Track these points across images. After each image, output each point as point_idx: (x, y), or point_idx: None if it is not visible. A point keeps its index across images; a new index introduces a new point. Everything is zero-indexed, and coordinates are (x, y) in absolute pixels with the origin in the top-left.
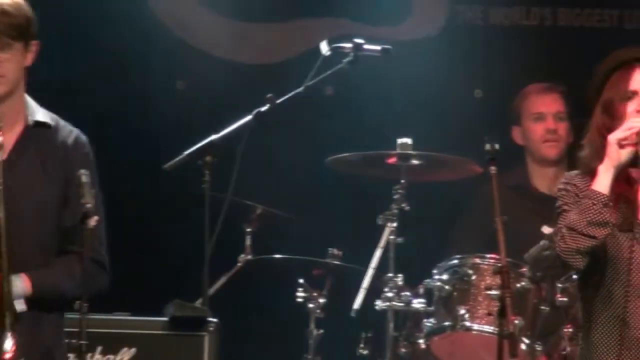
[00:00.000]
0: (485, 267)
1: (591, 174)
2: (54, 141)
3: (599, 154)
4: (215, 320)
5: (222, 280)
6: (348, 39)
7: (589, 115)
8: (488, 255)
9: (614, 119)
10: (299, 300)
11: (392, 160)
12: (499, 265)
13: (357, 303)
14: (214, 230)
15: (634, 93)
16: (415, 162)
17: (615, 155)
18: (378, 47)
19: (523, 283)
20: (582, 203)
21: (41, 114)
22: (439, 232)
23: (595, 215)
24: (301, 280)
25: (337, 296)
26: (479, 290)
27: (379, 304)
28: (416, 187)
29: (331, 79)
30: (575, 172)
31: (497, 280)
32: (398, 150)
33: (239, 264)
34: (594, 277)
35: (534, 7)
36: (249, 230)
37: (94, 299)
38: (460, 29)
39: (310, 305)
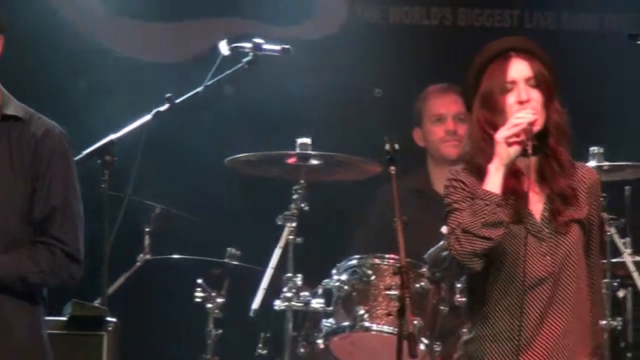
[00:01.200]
0: (385, 267)
1: (476, 169)
2: (25, 134)
3: (483, 148)
4: (114, 320)
5: (121, 279)
6: (247, 39)
7: (468, 108)
8: (387, 256)
9: (494, 111)
10: (198, 300)
11: (291, 160)
12: (399, 265)
13: (256, 303)
14: (113, 229)
15: (513, 83)
16: (314, 162)
17: (505, 153)
18: (278, 47)
19: (422, 283)
20: (474, 204)
21: (12, 107)
22: (338, 232)
23: (490, 216)
24: (200, 280)
25: (235, 296)
26: (378, 291)
27: (278, 304)
28: (316, 187)
29: (231, 79)
30: (460, 167)
31: (397, 280)
32: (297, 150)
33: (138, 264)
34: (489, 269)
35: (434, 6)
36: (148, 230)
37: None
38: (361, 28)
39: (209, 305)
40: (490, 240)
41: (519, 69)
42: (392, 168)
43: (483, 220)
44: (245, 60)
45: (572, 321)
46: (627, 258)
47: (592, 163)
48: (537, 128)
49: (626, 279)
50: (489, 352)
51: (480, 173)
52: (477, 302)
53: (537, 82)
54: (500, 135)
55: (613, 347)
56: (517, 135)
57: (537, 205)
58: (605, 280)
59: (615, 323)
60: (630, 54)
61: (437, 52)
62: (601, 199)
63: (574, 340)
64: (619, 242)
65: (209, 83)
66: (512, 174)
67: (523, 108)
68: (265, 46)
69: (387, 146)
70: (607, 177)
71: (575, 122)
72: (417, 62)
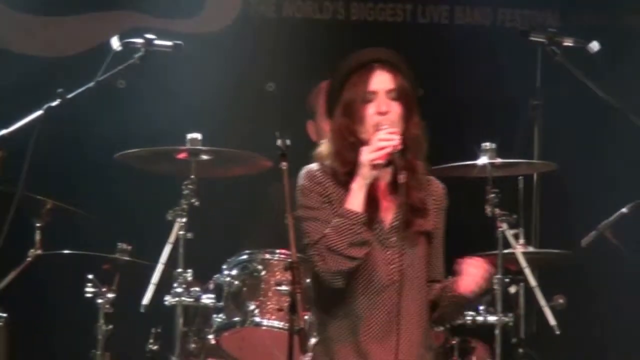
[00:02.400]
0: (275, 262)
1: (334, 173)
2: None
3: (342, 154)
4: (4, 314)
5: (12, 275)
6: (139, 34)
7: (329, 115)
8: (278, 251)
9: (354, 120)
10: (88, 295)
11: (181, 155)
12: (289, 260)
13: (147, 298)
14: (4, 224)
15: (374, 94)
16: (205, 157)
17: (368, 174)
18: (169, 43)
19: None
20: (339, 222)
21: None
22: (229, 227)
23: (355, 237)
24: (90, 276)
25: (126, 291)
26: (268, 286)
27: (169, 299)
28: (206, 182)
29: (123, 74)
30: (315, 167)
31: (288, 275)
32: (188, 146)
33: (29, 259)
34: None
35: (326, 0)
36: (39, 224)
37: None
38: (253, 22)
39: (100, 301)
40: (355, 260)
41: (381, 80)
42: (284, 164)
43: (349, 240)
44: (137, 55)
45: (414, 328)
46: (519, 253)
47: (484, 159)
48: (398, 147)
49: (518, 275)
50: (335, 354)
51: (337, 177)
52: (322, 304)
53: (398, 94)
54: (365, 157)
55: (505, 343)
56: (381, 158)
57: (387, 213)
58: (497, 276)
59: (507, 319)
60: (523, 50)
61: (330, 46)
62: (444, 211)
63: (416, 348)
64: (511, 237)
65: (100, 78)
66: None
67: (381, 120)
68: (157, 42)
69: (279, 142)
70: (500, 173)
71: (467, 117)
72: (311, 56)
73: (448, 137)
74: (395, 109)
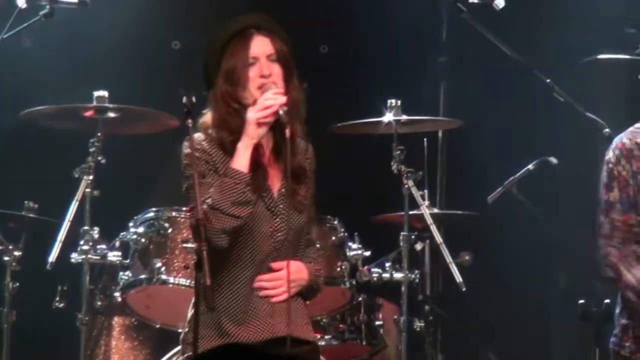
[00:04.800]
0: (182, 220)
1: (220, 142)
2: None
3: (227, 122)
4: None
5: None
6: None
7: (209, 85)
8: (184, 209)
9: (237, 86)
10: None
11: (88, 113)
12: (196, 218)
13: (53, 256)
14: None
15: (255, 58)
16: (111, 115)
17: (254, 133)
18: (75, 0)
19: None
20: (223, 182)
21: None
22: (136, 185)
23: (239, 196)
24: None
25: (32, 249)
26: (175, 244)
27: (75, 256)
28: (113, 140)
29: (28, 32)
30: (200, 136)
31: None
32: (94, 104)
33: None
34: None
35: None
36: None
37: None
38: None
39: (6, 258)
40: (239, 219)
41: (260, 45)
42: (190, 121)
43: (233, 199)
44: (42, 12)
45: (298, 295)
46: (425, 210)
47: (389, 116)
48: (285, 106)
49: (424, 232)
50: (221, 322)
51: (223, 146)
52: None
53: (278, 57)
54: (252, 115)
55: (411, 300)
56: (267, 117)
57: (275, 180)
58: (403, 233)
59: (412, 276)
60: (430, 7)
61: (239, 3)
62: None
63: (297, 311)
64: (417, 194)
65: (5, 35)
66: (254, 148)
67: (265, 81)
68: None
69: (185, 99)
70: (405, 129)
71: (373, 75)
72: (217, 14)
73: (353, 94)
74: (277, 72)
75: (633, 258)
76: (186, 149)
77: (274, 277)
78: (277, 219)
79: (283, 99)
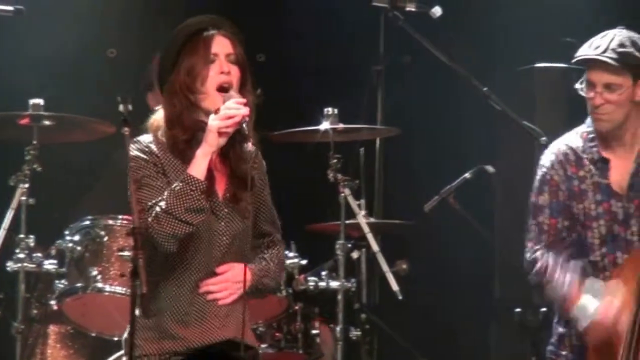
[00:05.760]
0: (118, 228)
1: (172, 142)
2: None
3: (182, 121)
4: None
5: None
6: None
7: (162, 81)
8: (120, 217)
9: (196, 80)
10: None
11: (24, 121)
12: (132, 226)
13: None
14: None
15: (215, 56)
16: (47, 122)
17: (214, 142)
18: (10, 8)
19: None
20: (180, 187)
21: None
22: (72, 193)
23: (194, 202)
24: None
25: None
26: (111, 252)
27: (11, 265)
28: (49, 147)
29: None
30: (148, 138)
31: (130, 241)
32: (30, 111)
33: None
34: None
35: None
36: None
37: None
38: None
39: None
40: (191, 226)
41: (221, 44)
42: (126, 129)
43: (187, 205)
44: None
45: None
46: (361, 219)
47: (326, 124)
48: (247, 117)
49: (360, 241)
50: (166, 325)
51: (174, 147)
52: (156, 276)
53: (237, 59)
54: (214, 124)
55: (347, 308)
56: (230, 127)
57: (220, 184)
58: (340, 242)
59: (349, 284)
60: (367, 15)
61: (176, 12)
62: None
63: (240, 315)
64: (354, 203)
65: None
66: None
67: (225, 79)
68: None
69: (121, 107)
70: (342, 138)
71: (310, 83)
72: (153, 23)
73: (291, 103)
74: (235, 73)
75: (562, 266)
76: (133, 152)
77: (219, 280)
78: (222, 223)
79: (246, 110)
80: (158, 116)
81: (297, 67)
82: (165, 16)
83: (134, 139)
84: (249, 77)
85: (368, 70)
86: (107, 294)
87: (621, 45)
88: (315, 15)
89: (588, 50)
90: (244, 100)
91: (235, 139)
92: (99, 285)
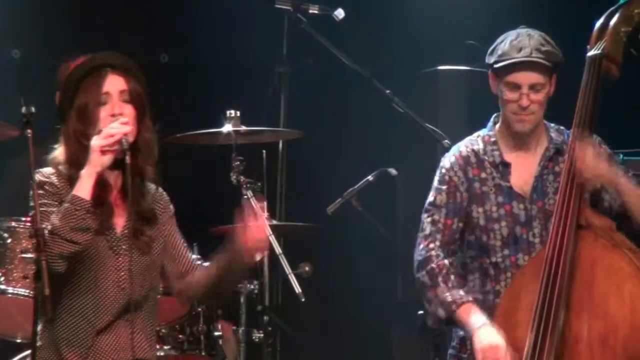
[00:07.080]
0: (21, 230)
1: (68, 178)
2: None
3: (77, 159)
4: None
5: None
6: None
7: (62, 120)
8: (24, 219)
9: (89, 124)
10: None
11: None
12: (35, 228)
13: None
14: None
15: (107, 95)
16: None
17: (98, 161)
18: None
19: None
20: (64, 208)
21: None
22: None
23: (79, 222)
24: None
25: None
26: (15, 254)
27: None
28: None
29: None
30: (50, 171)
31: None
32: None
33: None
34: (67, 275)
35: None
36: None
37: None
38: None
39: None
40: (78, 245)
41: (113, 83)
42: (29, 131)
43: (72, 224)
44: None
45: (140, 334)
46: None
47: (228, 126)
48: (131, 139)
49: None
50: (63, 353)
51: (72, 182)
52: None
53: (131, 97)
54: (95, 143)
55: (250, 311)
56: (111, 145)
57: (120, 219)
58: None
59: (251, 286)
60: (270, 17)
61: (82, 11)
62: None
63: (146, 335)
64: (256, 205)
65: None
66: (100, 184)
67: (115, 120)
68: None
69: (24, 109)
70: (245, 140)
71: (212, 85)
72: (59, 23)
73: (192, 105)
74: (128, 112)
75: (453, 274)
76: (38, 178)
77: None
78: (120, 258)
79: (127, 128)
80: (58, 152)
81: (200, 68)
82: (70, 15)
83: (37, 170)
84: (147, 114)
85: (271, 72)
86: (9, 295)
87: (542, 44)
88: (218, 16)
89: (512, 52)
90: (127, 119)
91: (134, 174)
92: (2, 287)
